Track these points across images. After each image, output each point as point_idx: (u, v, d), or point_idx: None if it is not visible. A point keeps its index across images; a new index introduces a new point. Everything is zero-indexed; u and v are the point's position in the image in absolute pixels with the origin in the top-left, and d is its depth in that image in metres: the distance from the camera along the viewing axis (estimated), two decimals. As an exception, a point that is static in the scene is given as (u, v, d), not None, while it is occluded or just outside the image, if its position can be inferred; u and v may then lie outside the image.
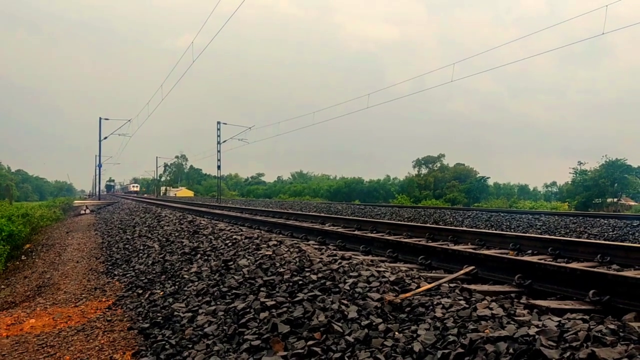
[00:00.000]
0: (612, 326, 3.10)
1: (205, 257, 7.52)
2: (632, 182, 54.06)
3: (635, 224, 13.63)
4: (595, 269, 5.25)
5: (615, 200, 51.32)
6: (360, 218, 16.17)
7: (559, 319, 3.34)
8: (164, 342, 4.54)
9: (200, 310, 5.03)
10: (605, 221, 15.14)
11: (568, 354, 2.68)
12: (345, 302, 4.12)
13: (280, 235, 10.57)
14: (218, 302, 5.11)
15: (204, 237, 9.36)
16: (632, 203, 53.01)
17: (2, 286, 11.84)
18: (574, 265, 5.93)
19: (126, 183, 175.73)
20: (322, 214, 18.91)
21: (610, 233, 12.24)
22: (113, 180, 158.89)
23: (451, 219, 18.06)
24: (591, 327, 3.04)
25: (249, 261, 6.28)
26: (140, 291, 7.20)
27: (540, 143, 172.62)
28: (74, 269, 11.11)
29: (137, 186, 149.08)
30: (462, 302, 3.86)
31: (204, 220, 14.35)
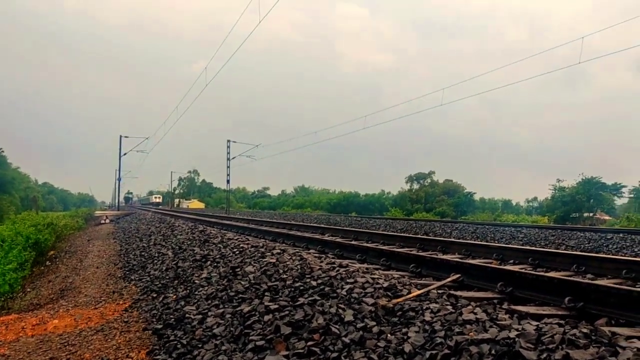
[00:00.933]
0: (585, 330, 3.11)
1: (215, 264, 7.52)
2: (606, 198, 54.03)
3: (609, 237, 13.60)
4: (571, 278, 5.26)
5: (591, 214, 51.21)
6: (356, 229, 16.15)
7: (537, 323, 3.35)
8: (176, 342, 4.54)
9: (210, 313, 5.02)
10: (582, 234, 15.11)
11: (545, 355, 2.69)
12: (342, 306, 4.13)
13: (284, 245, 10.57)
14: (226, 306, 5.11)
15: (214, 246, 9.36)
16: (607, 217, 52.85)
17: (28, 289, 11.81)
18: (551, 274, 5.93)
19: (143, 195, 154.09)
20: (322, 225, 18.88)
21: (586, 245, 12.21)
22: (131, 193, 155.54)
23: (440, 231, 18.01)
24: (566, 331, 3.05)
25: (254, 268, 6.28)
26: (155, 295, 7.19)
27: (522, 161, 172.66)
28: (94, 274, 11.09)
29: (159, 197, 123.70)
30: (449, 307, 3.86)
31: (213, 230, 14.34)
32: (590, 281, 5.00)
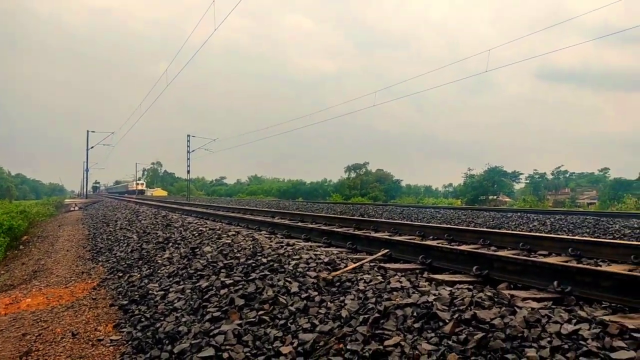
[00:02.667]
0: (489, 293, 3.24)
1: (176, 245, 7.31)
2: (507, 183, 56.62)
3: (509, 216, 14.25)
4: (478, 250, 5.48)
5: (495, 197, 53.53)
6: (302, 212, 16.17)
7: (450, 288, 3.46)
8: (140, 316, 4.39)
9: (171, 289, 4.88)
10: (487, 213, 15.76)
11: (457, 315, 2.79)
12: (289, 279, 4.12)
13: (238, 227, 10.42)
14: (186, 282, 4.98)
15: (175, 229, 9.10)
16: (507, 199, 55.46)
17: (2, 272, 11.07)
18: (462, 247, 6.14)
19: (121, 180, 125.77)
20: (272, 210, 18.76)
21: (491, 222, 12.70)
22: (98, 182, 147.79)
23: (373, 212, 18.31)
24: (474, 294, 3.16)
25: (212, 248, 6.15)
26: (121, 274, 6.92)
27: (441, 153, 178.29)
28: (64, 257, 10.54)
29: (142, 183, 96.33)
30: (379, 277, 3.93)
31: (175, 215, 13.94)
32: (493, 252, 5.23)
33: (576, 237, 6.88)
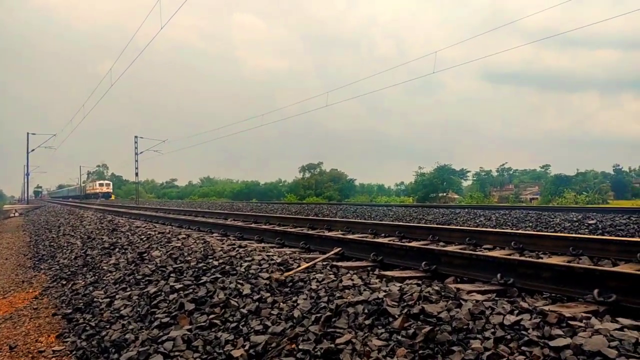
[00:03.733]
0: (436, 288, 3.31)
1: (123, 251, 7.03)
2: (455, 181, 58.58)
3: (457, 212, 14.73)
4: (427, 246, 5.61)
5: (445, 194, 55.20)
6: (256, 214, 16.01)
7: (400, 284, 3.52)
8: (84, 325, 4.19)
9: (117, 296, 4.69)
10: (437, 210, 16.21)
11: (406, 310, 2.83)
12: (241, 281, 4.05)
13: (189, 230, 10.18)
14: (133, 288, 4.80)
15: (122, 234, 8.76)
16: (456, 196, 57.35)
17: None
18: (412, 243, 6.28)
19: (53, 189, 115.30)
20: (225, 211, 18.48)
21: (440, 219, 13.06)
22: (40, 187, 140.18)
23: (327, 212, 18.41)
24: (422, 289, 3.22)
25: (161, 252, 5.96)
26: (64, 282, 6.58)
27: (393, 152, 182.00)
28: (3, 265, 9.90)
29: (108, 184, 74.61)
30: (332, 276, 3.94)
31: (122, 219, 13.44)
32: (441, 248, 5.38)
33: (519, 231, 7.20)
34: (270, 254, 5.19)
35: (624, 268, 4.58)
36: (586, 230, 9.05)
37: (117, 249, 7.32)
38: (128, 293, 4.66)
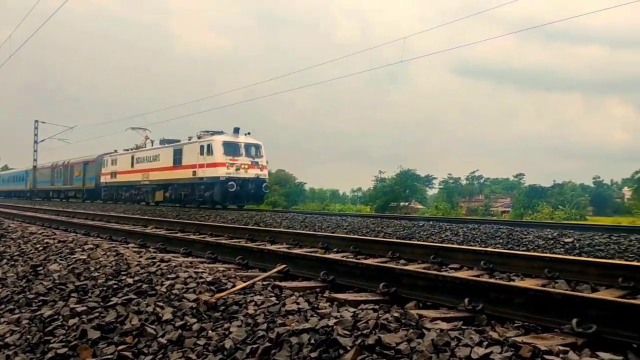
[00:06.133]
0: (396, 314, 3.34)
1: (12, 263, 6.64)
2: (419, 188, 60.14)
3: (420, 224, 15.03)
4: (386, 264, 5.69)
5: (407, 203, 56.39)
6: (184, 221, 15.70)
7: (354, 309, 3.52)
8: (-45, 357, 3.91)
9: (2, 320, 4.41)
10: (398, 222, 16.46)
11: (359, 340, 2.83)
12: (161, 304, 3.92)
13: (98, 239, 9.80)
14: (23, 310, 4.53)
15: (12, 241, 8.29)
16: (419, 206, 58.88)
17: None
18: (369, 261, 6.35)
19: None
20: (145, 217, 17.96)
21: (402, 232, 13.27)
22: None
23: (271, 221, 18.28)
24: (379, 315, 3.24)
25: (60, 266, 5.68)
26: None
27: (350, 153, 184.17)
28: None
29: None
30: (273, 298, 3.89)
31: (13, 223, 12.74)
32: (402, 267, 5.47)
33: (489, 249, 7.47)
34: (200, 270, 5.08)
35: (605, 294, 4.82)
36: (562, 249, 9.49)
37: (4, 261, 6.92)
38: (16, 316, 4.39)
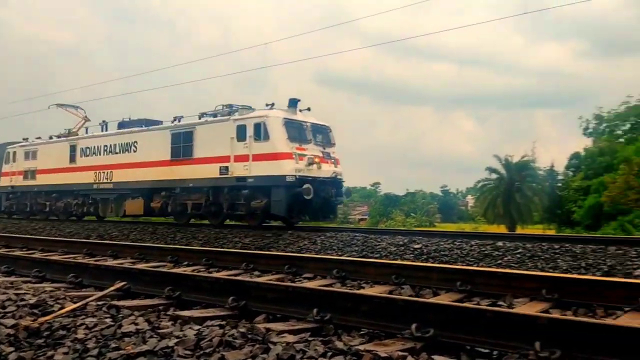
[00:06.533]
0: (243, 329, 3.31)
1: None
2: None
3: (279, 234, 15.14)
4: (236, 277, 5.62)
5: (267, 213, 56.61)
6: (9, 235, 14.18)
7: (199, 327, 3.43)
8: None
9: None
10: (256, 231, 16.45)
11: (202, 360, 2.75)
12: (-32, 334, 3.46)
13: None
14: None
15: None
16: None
17: None
18: (219, 274, 6.23)
19: None
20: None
21: (260, 242, 13.25)
22: None
23: (117, 233, 17.22)
24: (226, 332, 3.19)
25: None
26: None
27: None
28: None
29: None
30: (108, 319, 3.65)
31: None
32: (251, 279, 5.44)
33: (342, 257, 7.75)
34: (22, 291, 4.62)
35: (442, 299, 5.22)
36: (412, 255, 10.15)
37: None
38: None
